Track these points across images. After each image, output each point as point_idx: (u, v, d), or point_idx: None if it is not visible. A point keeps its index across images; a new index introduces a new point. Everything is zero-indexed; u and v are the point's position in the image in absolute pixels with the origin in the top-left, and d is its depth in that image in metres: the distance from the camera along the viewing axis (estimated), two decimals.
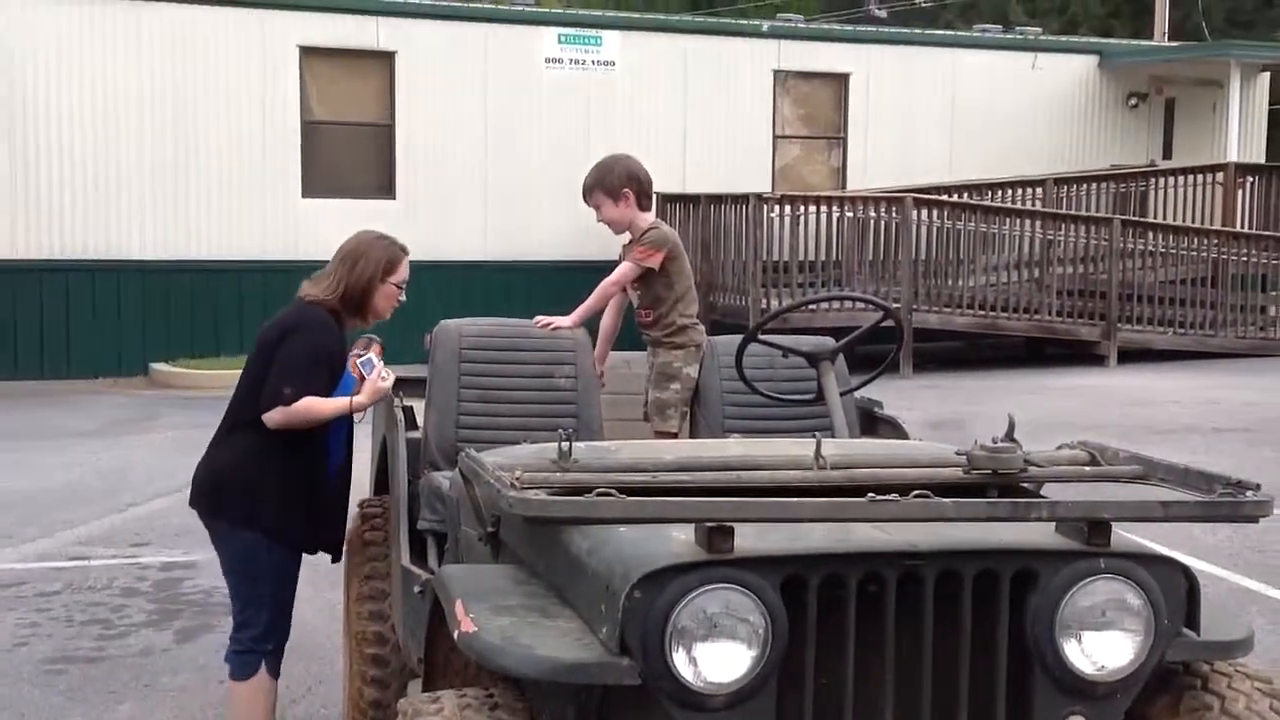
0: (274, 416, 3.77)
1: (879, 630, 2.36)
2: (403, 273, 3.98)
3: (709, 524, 2.34)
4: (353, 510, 4.46)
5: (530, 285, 15.01)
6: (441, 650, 2.94)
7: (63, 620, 5.89)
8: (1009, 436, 2.91)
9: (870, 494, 2.37)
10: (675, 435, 4.15)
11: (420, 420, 4.13)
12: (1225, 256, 15.69)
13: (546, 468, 2.78)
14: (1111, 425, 10.69)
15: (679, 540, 2.42)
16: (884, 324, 4.11)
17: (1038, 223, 15.22)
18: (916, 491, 2.41)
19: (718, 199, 14.91)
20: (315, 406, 3.79)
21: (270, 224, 14.79)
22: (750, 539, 2.37)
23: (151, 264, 14.46)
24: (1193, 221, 16.37)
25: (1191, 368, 14.60)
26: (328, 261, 4.02)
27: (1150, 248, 15.55)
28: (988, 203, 15.53)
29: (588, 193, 4.33)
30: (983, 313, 14.74)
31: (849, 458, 2.90)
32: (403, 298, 4.02)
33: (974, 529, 2.47)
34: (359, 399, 3.85)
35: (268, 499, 3.82)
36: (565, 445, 2.80)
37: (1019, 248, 15.13)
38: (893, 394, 4.40)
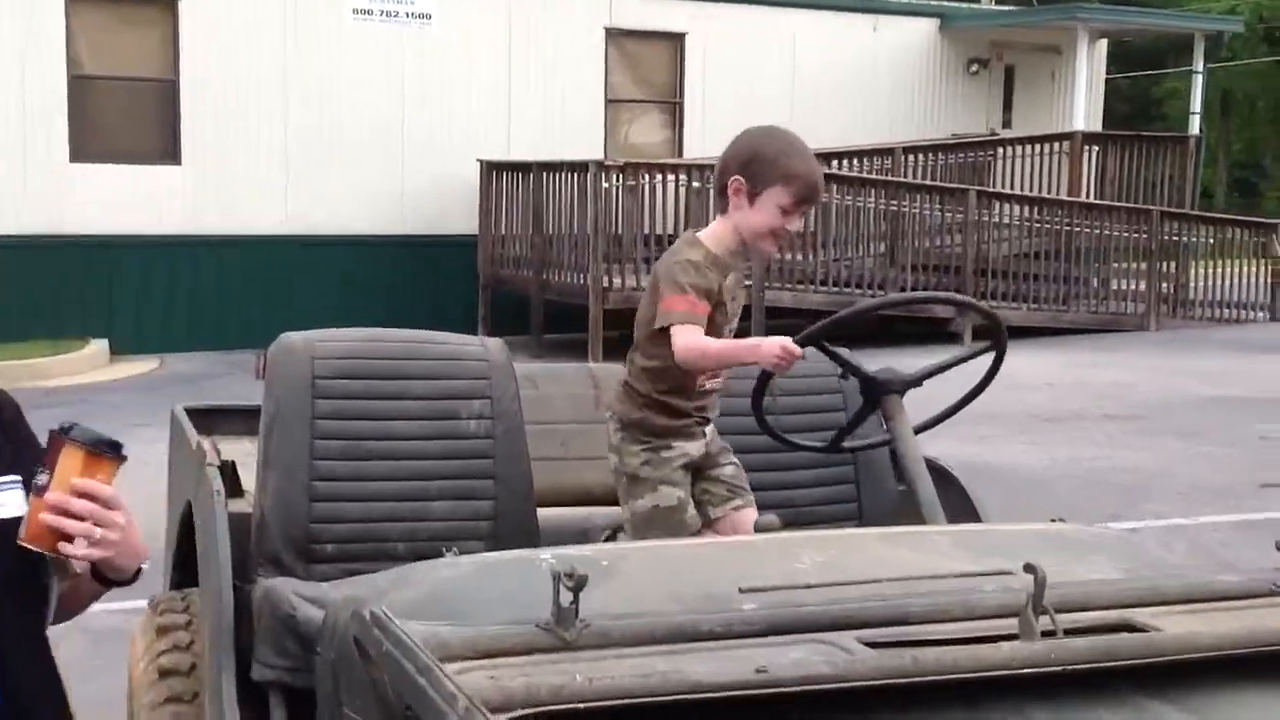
0: None
1: None
2: None
3: None
4: (141, 618, 3.01)
5: (340, 264, 13.42)
6: None
7: None
8: None
9: None
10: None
11: (250, 485, 2.71)
12: (1075, 228, 15.13)
13: (532, 641, 1.45)
14: (998, 412, 9.79)
15: None
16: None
17: (890, 194, 14.35)
18: None
19: (552, 167, 13.52)
20: None
21: (32, 192, 12.68)
22: None
23: None
24: (1037, 192, 15.79)
25: (1048, 345, 13.90)
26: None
27: (1002, 219, 14.86)
28: (842, 172, 14.57)
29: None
30: (836, 289, 13.76)
31: (1068, 599, 1.62)
32: None
33: None
34: None
35: None
36: (567, 598, 1.46)
37: (871, 220, 14.24)
38: None
